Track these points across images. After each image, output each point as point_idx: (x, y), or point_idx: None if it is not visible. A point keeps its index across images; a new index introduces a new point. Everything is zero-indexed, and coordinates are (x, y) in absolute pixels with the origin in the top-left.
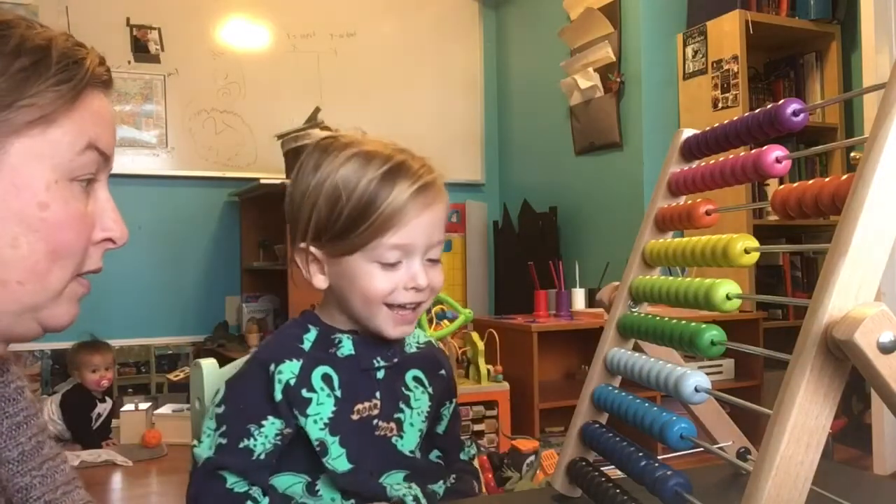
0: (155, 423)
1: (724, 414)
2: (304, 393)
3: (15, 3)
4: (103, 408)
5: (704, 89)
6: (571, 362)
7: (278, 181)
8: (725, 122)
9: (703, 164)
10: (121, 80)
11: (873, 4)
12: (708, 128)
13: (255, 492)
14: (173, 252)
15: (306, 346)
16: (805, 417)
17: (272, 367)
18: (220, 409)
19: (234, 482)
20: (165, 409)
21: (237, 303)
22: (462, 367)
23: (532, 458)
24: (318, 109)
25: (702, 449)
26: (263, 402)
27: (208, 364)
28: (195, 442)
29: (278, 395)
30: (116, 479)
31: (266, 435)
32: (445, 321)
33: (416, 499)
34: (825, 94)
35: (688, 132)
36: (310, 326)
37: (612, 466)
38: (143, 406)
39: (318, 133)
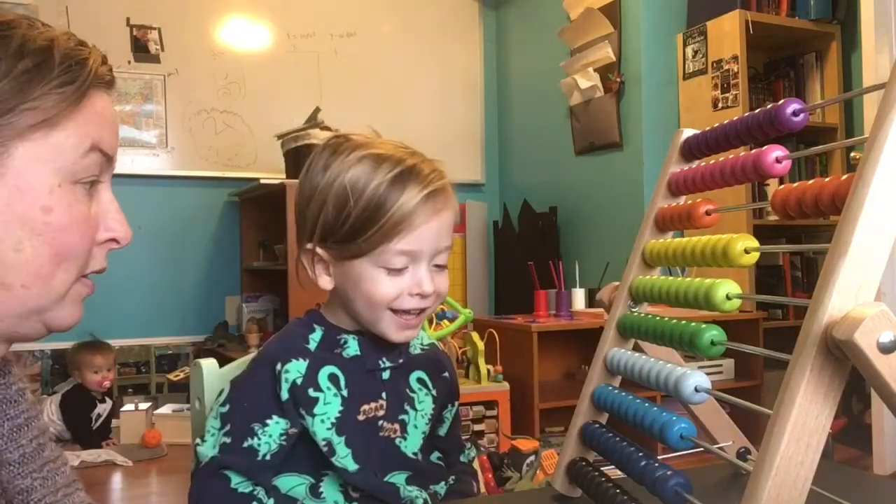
0: (155, 423)
1: (724, 414)
2: (311, 392)
3: (15, 3)
4: (103, 408)
5: (704, 89)
6: (571, 362)
7: (278, 181)
8: (725, 122)
9: (703, 164)
10: (121, 80)
11: (873, 4)
12: (708, 128)
13: (260, 492)
14: (173, 252)
15: (312, 345)
16: (805, 417)
17: (279, 366)
18: (225, 408)
19: (238, 482)
20: (165, 409)
21: (237, 303)
22: (462, 367)
23: (532, 458)
24: (318, 109)
25: (702, 449)
26: (269, 401)
27: (208, 364)
28: (198, 440)
29: (284, 395)
30: (116, 480)
31: (270, 434)
32: (445, 321)
33: (425, 503)
34: (825, 94)
35: (688, 132)
36: (315, 326)
37: (612, 466)
38: (143, 406)
39: (318, 133)
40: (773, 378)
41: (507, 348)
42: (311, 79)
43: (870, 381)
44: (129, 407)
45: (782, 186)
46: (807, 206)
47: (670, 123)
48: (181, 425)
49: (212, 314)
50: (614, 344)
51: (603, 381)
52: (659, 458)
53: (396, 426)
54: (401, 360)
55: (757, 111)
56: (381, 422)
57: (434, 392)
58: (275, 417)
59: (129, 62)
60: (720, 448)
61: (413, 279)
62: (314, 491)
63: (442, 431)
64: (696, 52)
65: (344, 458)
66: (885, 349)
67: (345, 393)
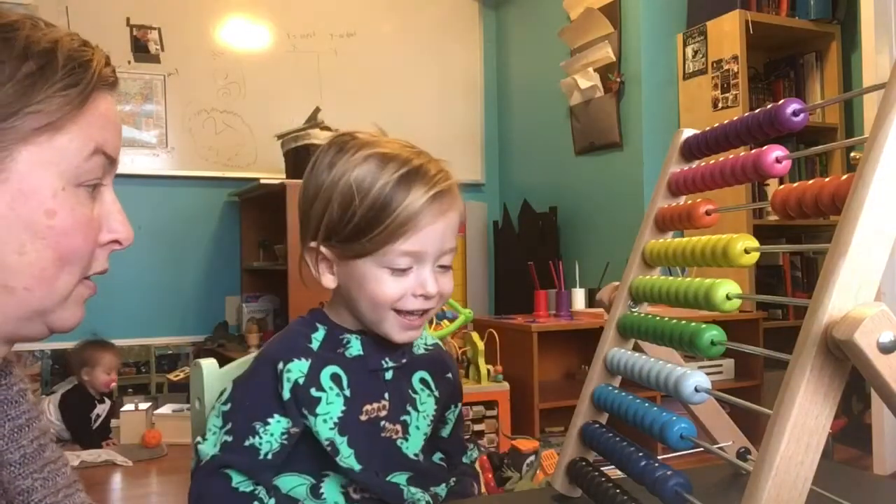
0: (155, 423)
1: (724, 414)
2: (314, 392)
3: (15, 3)
4: (102, 408)
5: (704, 89)
6: (571, 362)
7: (278, 181)
8: (725, 122)
9: (703, 164)
10: (121, 80)
11: (873, 4)
12: (708, 128)
13: (261, 492)
14: (173, 252)
15: (314, 345)
16: (805, 417)
17: (280, 365)
18: (227, 407)
19: (239, 481)
20: (165, 409)
21: (237, 303)
22: (462, 367)
23: (532, 458)
24: (318, 109)
25: (702, 449)
26: (270, 400)
27: (208, 364)
28: (199, 439)
29: (286, 394)
30: (116, 480)
31: (272, 433)
32: (445, 321)
33: None
34: (825, 94)
35: (688, 132)
36: (318, 325)
37: (612, 466)
38: (143, 406)
39: (318, 133)
40: (773, 378)
41: (507, 348)
42: (311, 79)
43: (870, 381)
44: (129, 407)
45: (782, 186)
46: (807, 206)
47: (670, 123)
48: (181, 425)
49: (212, 314)
50: (614, 344)
51: (603, 381)
52: (659, 458)
53: (398, 427)
54: (404, 360)
55: (757, 111)
56: (383, 422)
57: (436, 393)
58: (276, 416)
59: (129, 62)
60: (720, 448)
61: (417, 280)
62: (315, 492)
63: (444, 432)
64: (696, 52)
65: (347, 458)
66: (885, 349)
67: (347, 393)
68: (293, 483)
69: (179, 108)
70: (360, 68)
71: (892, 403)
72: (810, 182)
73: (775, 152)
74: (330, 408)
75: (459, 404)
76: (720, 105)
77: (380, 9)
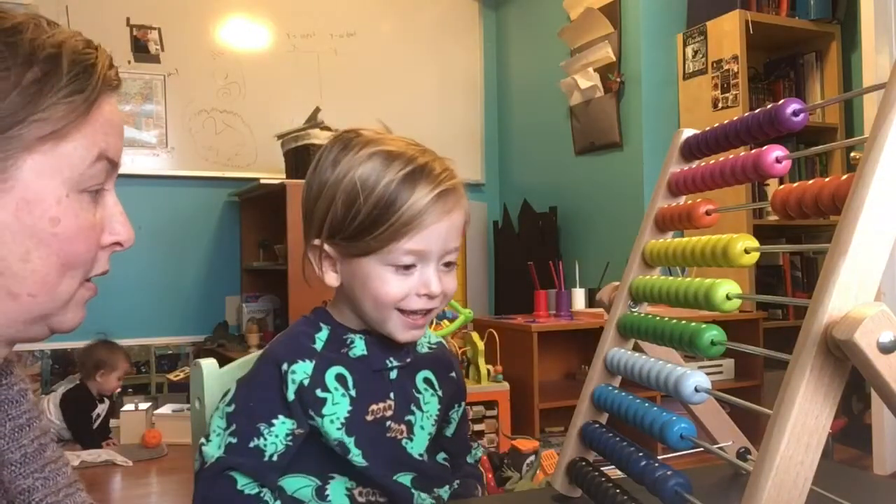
0: (155, 423)
1: (724, 414)
2: (319, 393)
3: (15, 3)
4: (102, 408)
5: (704, 89)
6: (571, 362)
7: (278, 181)
8: (725, 122)
9: (703, 164)
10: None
11: (873, 4)
12: (708, 128)
13: (266, 494)
14: (173, 252)
15: (318, 345)
16: (805, 417)
17: (285, 366)
18: (231, 408)
19: (244, 483)
20: (165, 409)
21: (237, 303)
22: (462, 367)
23: (532, 458)
24: (318, 109)
25: (702, 449)
26: (275, 401)
27: (208, 364)
28: (203, 440)
29: (291, 395)
30: (116, 480)
31: (277, 435)
32: (445, 321)
33: None
34: (825, 94)
35: (688, 132)
36: (321, 325)
37: (612, 466)
38: (143, 406)
39: (318, 133)
40: (773, 378)
41: (507, 348)
42: (311, 79)
43: (870, 381)
44: (129, 407)
45: (782, 186)
46: (807, 206)
47: (670, 123)
48: (181, 425)
49: (212, 314)
50: (614, 344)
51: (603, 381)
52: (659, 458)
53: (403, 427)
54: (408, 360)
55: (757, 111)
56: (388, 422)
57: (440, 392)
58: (281, 417)
59: (129, 62)
60: (720, 448)
61: (421, 279)
62: (320, 493)
63: (448, 432)
64: (696, 52)
65: (356, 457)
66: (885, 349)
67: (353, 393)
68: (298, 484)
69: (179, 108)
70: (360, 68)
71: (892, 403)
72: (810, 182)
73: (775, 152)
74: (336, 408)
75: (463, 403)
76: (720, 105)
77: (380, 9)
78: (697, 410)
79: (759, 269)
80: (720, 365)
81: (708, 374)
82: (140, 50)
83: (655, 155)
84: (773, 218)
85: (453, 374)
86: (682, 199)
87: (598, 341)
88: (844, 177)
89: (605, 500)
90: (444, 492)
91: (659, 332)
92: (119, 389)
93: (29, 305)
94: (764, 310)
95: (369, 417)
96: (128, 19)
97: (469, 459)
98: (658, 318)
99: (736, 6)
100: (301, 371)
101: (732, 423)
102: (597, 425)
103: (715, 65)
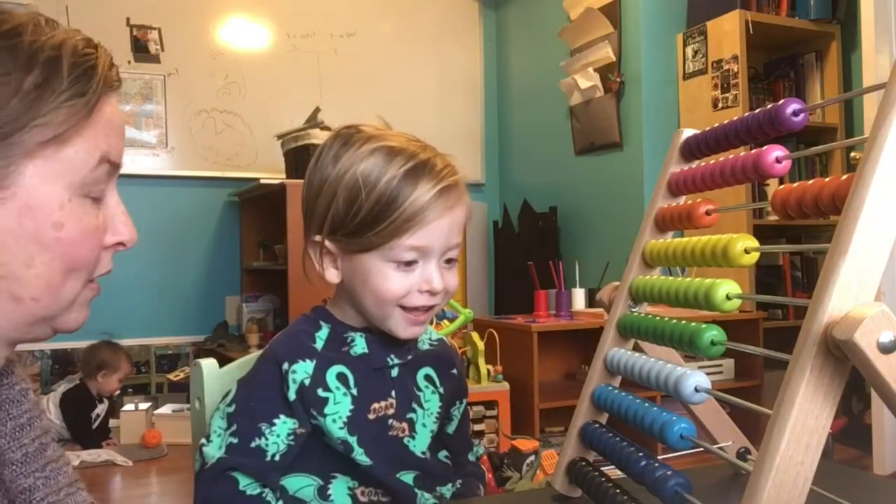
0: (155, 423)
1: (724, 414)
2: (321, 392)
3: (15, 3)
4: (101, 408)
5: (704, 89)
6: (571, 362)
7: (278, 181)
8: (725, 122)
9: (703, 164)
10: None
11: (873, 4)
12: (708, 128)
13: (268, 494)
14: (173, 252)
15: (319, 344)
16: (805, 417)
17: (286, 365)
18: (231, 408)
19: (246, 484)
20: (165, 409)
21: (237, 303)
22: (462, 366)
23: (532, 458)
24: (318, 109)
25: (702, 449)
26: (276, 400)
27: (208, 364)
28: (203, 441)
29: (292, 395)
30: (116, 480)
31: (278, 434)
32: (445, 321)
33: None
34: (825, 94)
35: (688, 132)
36: (322, 324)
37: (612, 466)
38: (143, 406)
39: (318, 133)
40: (773, 378)
41: (507, 348)
42: (311, 79)
43: (870, 381)
44: (129, 407)
45: (782, 186)
46: (807, 206)
47: (670, 123)
48: (181, 425)
49: (212, 314)
50: (614, 344)
51: (603, 381)
52: (659, 458)
53: (405, 425)
54: (409, 357)
55: (757, 111)
56: (390, 420)
57: (441, 389)
58: (282, 417)
59: (129, 62)
60: (720, 448)
61: (423, 276)
62: (322, 493)
63: (450, 429)
64: (696, 52)
65: (359, 456)
66: (885, 349)
67: (354, 392)
68: (300, 484)
69: (179, 108)
70: (360, 68)
71: (892, 403)
72: (810, 182)
73: (775, 152)
74: (338, 408)
75: (465, 400)
76: (720, 105)
77: (380, 9)
78: (697, 410)
79: (759, 269)
80: (720, 365)
81: (708, 374)
82: (140, 50)
83: (655, 155)
84: (773, 218)
85: (455, 371)
86: (682, 199)
87: (598, 341)
88: (844, 177)
89: (605, 500)
90: (447, 490)
91: (659, 332)
92: (118, 391)
93: (33, 309)
94: (764, 310)
95: (371, 416)
96: (128, 19)
97: (470, 457)
98: (658, 318)
99: (736, 6)
100: (302, 371)
101: (732, 423)
102: (597, 425)
103: (715, 65)
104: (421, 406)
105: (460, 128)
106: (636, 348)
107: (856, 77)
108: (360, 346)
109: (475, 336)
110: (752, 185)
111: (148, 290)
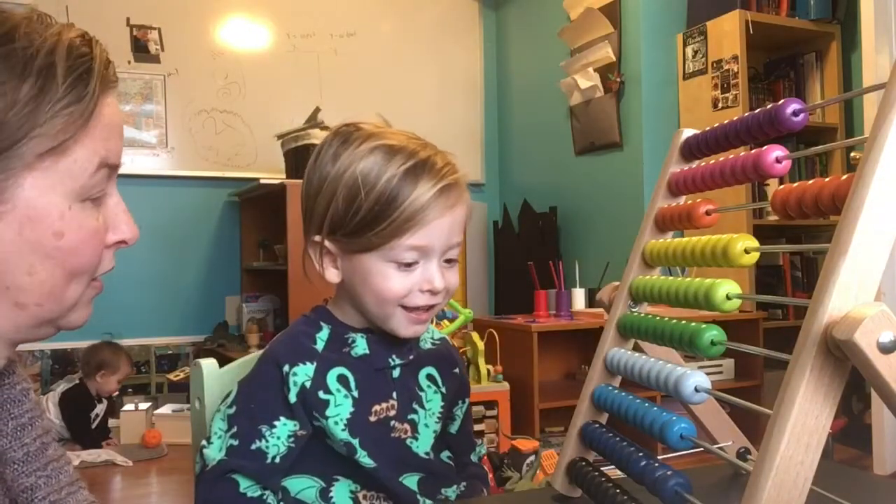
0: (155, 423)
1: (724, 414)
2: (322, 395)
3: (15, 3)
4: (100, 408)
5: (704, 89)
6: (571, 362)
7: (278, 181)
8: (725, 122)
9: (703, 164)
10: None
11: (873, 4)
12: (708, 128)
13: (269, 496)
14: (173, 252)
15: (319, 346)
16: (805, 417)
17: (286, 367)
18: (232, 410)
19: (247, 486)
20: (165, 409)
21: (237, 303)
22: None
23: (532, 458)
24: (318, 109)
25: (702, 449)
26: (276, 402)
27: (208, 364)
28: (204, 442)
29: (293, 397)
30: (116, 479)
31: (279, 436)
32: (445, 321)
33: None
34: (825, 94)
35: (688, 132)
36: (322, 324)
37: (612, 466)
38: (143, 406)
39: (318, 133)
40: (773, 378)
41: (507, 348)
42: (311, 79)
43: (870, 381)
44: (129, 407)
45: (782, 186)
46: (807, 206)
47: (670, 123)
48: (181, 425)
49: (212, 314)
50: (614, 344)
51: (603, 381)
52: (659, 458)
53: (407, 426)
54: (411, 357)
55: (757, 111)
56: (392, 422)
57: (443, 389)
58: (282, 419)
59: (129, 62)
60: (720, 448)
61: (423, 275)
62: (324, 495)
63: (453, 429)
64: (696, 52)
65: (363, 458)
66: (885, 349)
67: (355, 394)
68: (302, 485)
69: (179, 108)
70: (360, 68)
71: (892, 403)
72: (810, 182)
73: (775, 152)
74: (339, 409)
75: (467, 400)
76: (720, 105)
77: (380, 9)
78: (697, 410)
79: (759, 269)
80: (720, 365)
81: (708, 374)
82: (140, 50)
83: (655, 155)
84: (773, 218)
85: (457, 370)
86: (682, 199)
87: (598, 341)
88: (844, 177)
89: (605, 500)
90: (452, 492)
91: (659, 332)
92: (117, 392)
93: (36, 313)
94: (764, 310)
95: (373, 418)
96: (128, 19)
97: (473, 457)
98: (658, 318)
99: (736, 6)
100: (302, 373)
101: (732, 423)
102: (597, 425)
103: (715, 65)
104: (422, 406)
105: (460, 128)
106: (636, 348)
107: (856, 77)
108: (360, 346)
109: (475, 336)
110: (752, 185)
111: (148, 290)
